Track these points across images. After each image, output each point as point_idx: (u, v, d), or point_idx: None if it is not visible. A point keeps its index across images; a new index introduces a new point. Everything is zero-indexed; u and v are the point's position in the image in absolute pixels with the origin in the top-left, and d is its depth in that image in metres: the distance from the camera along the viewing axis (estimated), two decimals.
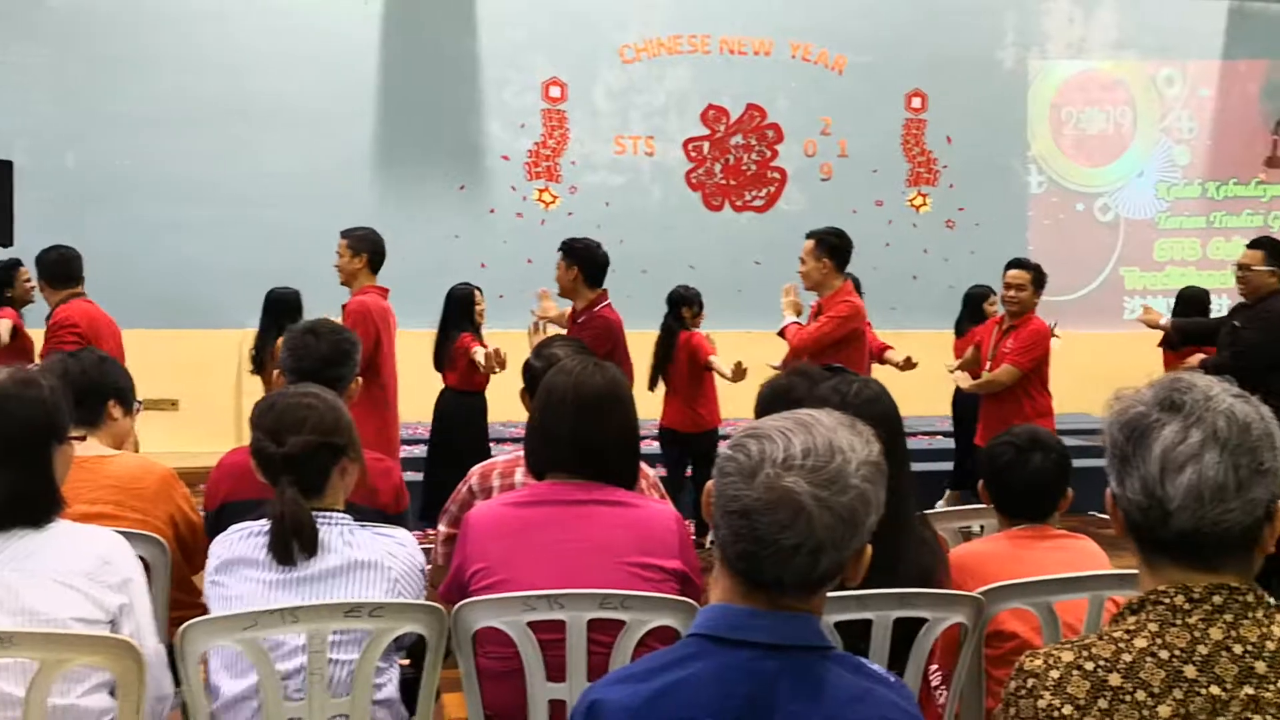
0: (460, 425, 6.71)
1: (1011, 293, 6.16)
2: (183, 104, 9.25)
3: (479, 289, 6.83)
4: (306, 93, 9.46)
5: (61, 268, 5.90)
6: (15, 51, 9.16)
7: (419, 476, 7.50)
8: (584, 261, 5.87)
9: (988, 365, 6.29)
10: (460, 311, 6.70)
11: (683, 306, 6.83)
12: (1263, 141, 11.35)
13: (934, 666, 2.65)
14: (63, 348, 5.42)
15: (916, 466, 3.89)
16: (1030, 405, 5.99)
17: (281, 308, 6.75)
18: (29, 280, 6.43)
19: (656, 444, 6.94)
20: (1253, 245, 5.76)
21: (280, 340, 6.63)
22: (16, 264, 6.55)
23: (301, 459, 2.41)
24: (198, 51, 9.31)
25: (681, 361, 6.70)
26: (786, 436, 1.45)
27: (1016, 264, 6.28)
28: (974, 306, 7.68)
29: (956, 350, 7.45)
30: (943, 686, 2.61)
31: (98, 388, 3.05)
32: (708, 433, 6.73)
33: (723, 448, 1.53)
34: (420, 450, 8.15)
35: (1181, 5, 11.08)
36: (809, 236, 5.77)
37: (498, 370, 6.18)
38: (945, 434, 8.48)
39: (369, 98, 9.65)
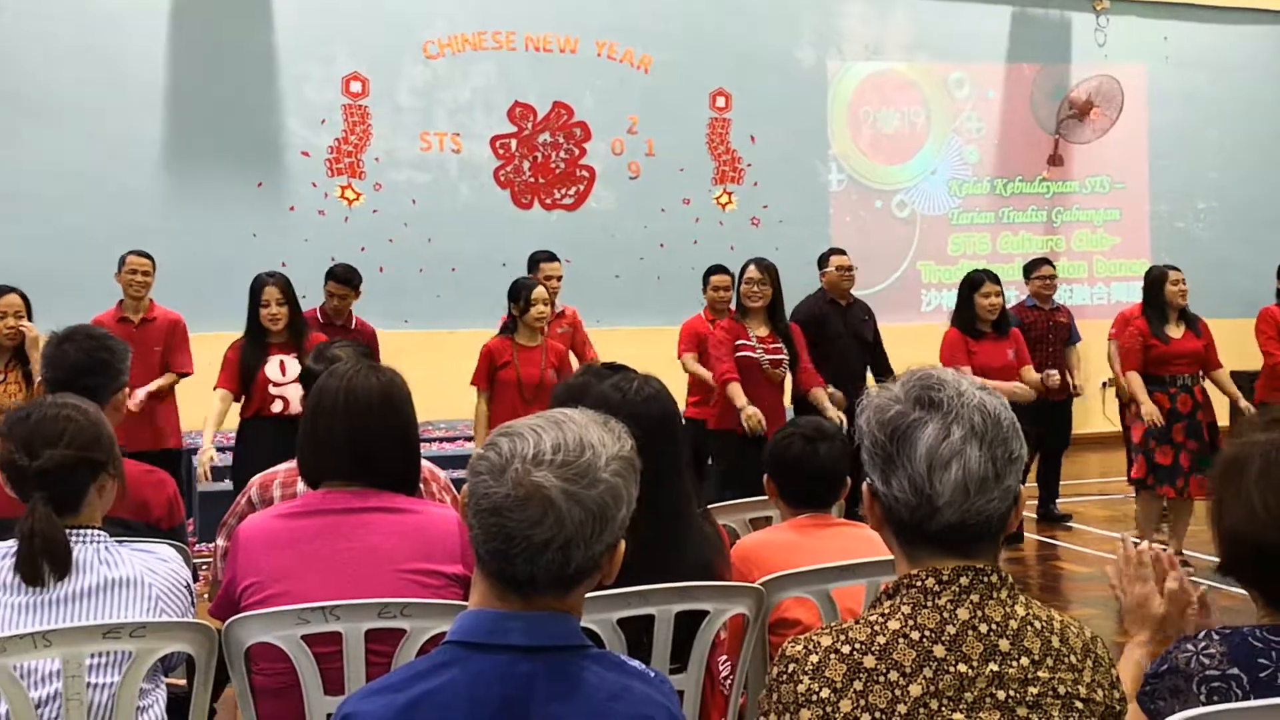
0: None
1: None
2: None
3: (274, 281, 5.68)
4: (84, 85, 8.95)
5: None
6: None
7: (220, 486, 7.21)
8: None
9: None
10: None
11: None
12: (1045, 141, 11.98)
13: (724, 657, 2.68)
14: None
15: None
16: None
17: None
18: None
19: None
20: None
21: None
22: None
23: (57, 474, 2.29)
24: None
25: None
26: (537, 433, 1.45)
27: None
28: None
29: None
30: (731, 676, 2.64)
31: None
32: None
33: (476, 448, 1.51)
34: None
35: (969, 10, 11.59)
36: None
37: None
38: None
39: (155, 91, 9.20)
